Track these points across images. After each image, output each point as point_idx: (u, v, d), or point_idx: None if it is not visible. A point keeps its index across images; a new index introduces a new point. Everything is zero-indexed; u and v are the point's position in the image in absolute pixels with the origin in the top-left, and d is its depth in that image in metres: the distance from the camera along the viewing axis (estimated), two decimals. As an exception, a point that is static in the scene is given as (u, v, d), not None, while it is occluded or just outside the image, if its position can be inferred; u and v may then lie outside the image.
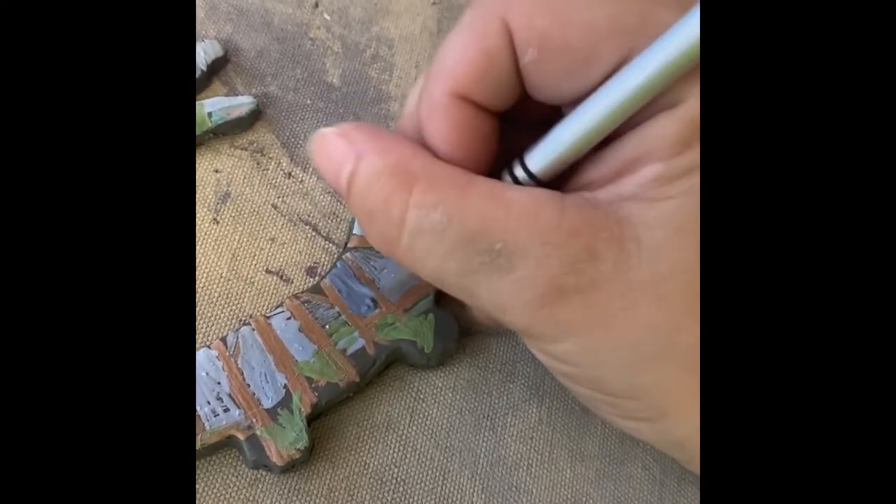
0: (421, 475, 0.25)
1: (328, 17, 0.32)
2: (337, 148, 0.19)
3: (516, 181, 0.20)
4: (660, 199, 0.18)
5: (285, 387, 0.24)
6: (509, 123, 0.21)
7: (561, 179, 0.20)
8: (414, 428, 0.25)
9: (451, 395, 0.26)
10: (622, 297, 0.19)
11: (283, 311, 0.25)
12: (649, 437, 0.23)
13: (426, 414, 0.26)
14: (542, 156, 0.19)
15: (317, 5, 0.32)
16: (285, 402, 0.24)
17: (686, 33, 0.16)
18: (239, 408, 0.23)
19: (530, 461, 0.26)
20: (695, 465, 0.24)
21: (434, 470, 0.25)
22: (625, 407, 0.21)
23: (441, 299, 0.27)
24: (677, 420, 0.21)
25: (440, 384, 0.26)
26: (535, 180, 0.20)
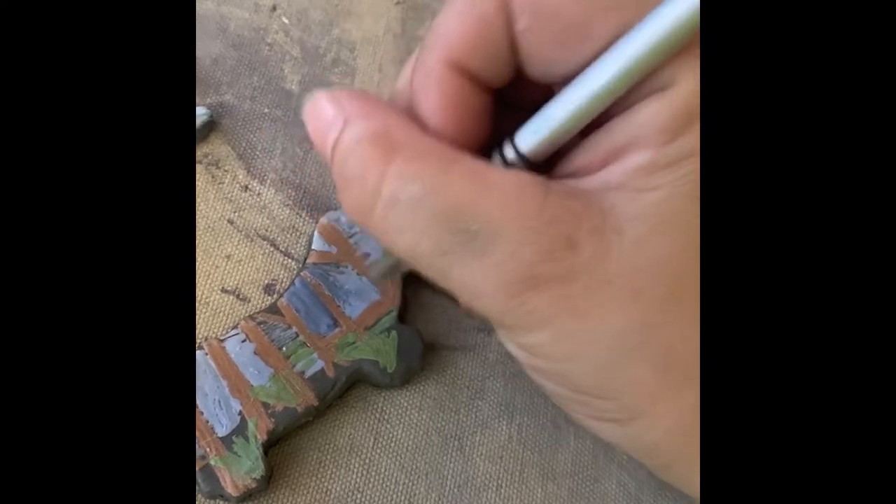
0: (386, 500, 0.24)
1: (286, 21, 0.31)
2: (326, 112, 0.19)
3: (506, 162, 0.19)
4: (646, 190, 0.18)
5: (240, 413, 0.23)
6: (504, 106, 0.20)
7: (549, 166, 0.20)
8: (378, 450, 0.24)
9: (416, 414, 0.25)
10: (598, 290, 0.18)
11: (237, 334, 0.24)
12: (620, 440, 0.22)
13: (391, 435, 0.25)
14: (533, 134, 0.19)
15: (274, 8, 0.31)
16: (240, 429, 0.23)
17: (683, 3, 0.16)
18: (191, 437, 0.22)
19: (500, 482, 0.25)
20: (667, 473, 0.23)
21: (399, 494, 0.24)
22: (596, 406, 0.20)
23: (405, 315, 0.26)
24: (650, 422, 0.20)
25: (405, 404, 0.25)
26: (526, 161, 0.19)
